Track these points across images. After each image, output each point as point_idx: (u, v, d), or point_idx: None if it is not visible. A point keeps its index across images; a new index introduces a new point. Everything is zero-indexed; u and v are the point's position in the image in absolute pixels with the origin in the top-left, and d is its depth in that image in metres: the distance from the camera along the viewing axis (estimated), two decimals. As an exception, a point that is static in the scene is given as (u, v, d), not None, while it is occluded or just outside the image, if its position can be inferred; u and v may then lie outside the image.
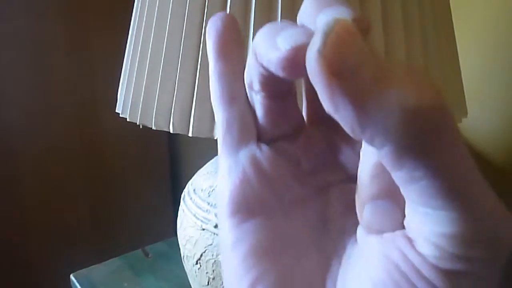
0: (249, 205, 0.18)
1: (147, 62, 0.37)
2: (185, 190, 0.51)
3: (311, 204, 0.19)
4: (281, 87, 0.18)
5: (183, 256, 0.48)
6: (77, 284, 0.64)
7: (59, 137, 1.05)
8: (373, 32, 0.33)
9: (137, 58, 0.38)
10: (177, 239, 0.72)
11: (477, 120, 0.61)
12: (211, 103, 0.34)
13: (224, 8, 0.33)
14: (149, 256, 0.70)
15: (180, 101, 0.35)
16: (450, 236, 0.13)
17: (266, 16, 0.33)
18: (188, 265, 0.47)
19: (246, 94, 0.19)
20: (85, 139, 1.09)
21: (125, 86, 0.40)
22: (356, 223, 0.17)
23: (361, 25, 0.13)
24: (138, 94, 0.38)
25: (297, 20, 0.16)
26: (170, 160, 1.25)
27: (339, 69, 0.12)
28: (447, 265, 0.13)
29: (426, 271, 0.14)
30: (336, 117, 0.13)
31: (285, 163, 0.19)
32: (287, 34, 0.15)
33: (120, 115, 0.41)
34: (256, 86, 0.18)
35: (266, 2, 0.33)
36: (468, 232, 0.13)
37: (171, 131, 0.36)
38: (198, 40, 0.34)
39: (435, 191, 0.13)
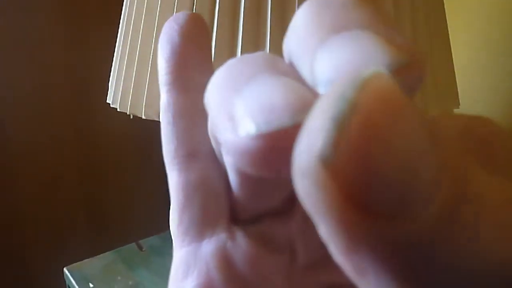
0: None
1: (137, 53, 0.37)
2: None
3: None
4: None
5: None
6: (71, 277, 0.64)
7: (55, 132, 1.05)
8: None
9: (127, 49, 0.38)
10: (168, 234, 0.71)
11: (470, 112, 0.62)
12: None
13: (214, -2, 0.33)
14: (143, 249, 0.71)
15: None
16: None
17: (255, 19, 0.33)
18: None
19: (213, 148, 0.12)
20: (81, 134, 1.10)
21: (115, 76, 0.40)
22: None
23: (412, 75, 0.07)
24: (128, 85, 0.38)
25: (284, 49, 0.10)
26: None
27: (370, 197, 0.06)
28: None
29: None
30: (360, 283, 0.07)
31: (272, 257, 0.12)
32: (256, 96, 0.08)
33: (111, 105, 0.41)
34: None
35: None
36: None
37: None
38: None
39: None
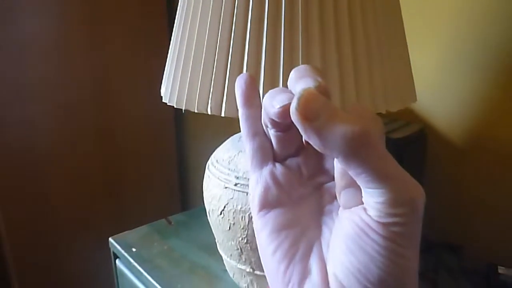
0: (270, 203, 0.27)
1: (191, 63, 0.52)
2: (208, 161, 0.65)
3: (310, 198, 0.27)
4: (285, 124, 0.25)
5: (208, 211, 0.63)
6: (116, 244, 0.78)
7: (79, 130, 1.15)
8: (342, 32, 0.48)
9: (182, 60, 0.53)
10: (191, 212, 0.86)
11: (434, 106, 0.74)
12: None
13: (246, 21, 0.48)
14: (172, 223, 0.85)
15: (216, 90, 0.50)
16: (383, 203, 0.21)
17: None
18: (213, 217, 0.62)
19: (264, 130, 0.27)
20: (102, 129, 1.19)
21: (171, 80, 0.55)
22: (339, 206, 0.25)
23: (320, 90, 0.21)
24: (183, 86, 0.53)
25: (287, 84, 0.24)
26: (177, 154, 1.37)
27: (307, 117, 0.20)
28: (384, 220, 0.21)
29: (373, 225, 0.21)
30: (309, 141, 0.21)
31: (292, 173, 0.27)
32: (279, 98, 0.23)
33: (168, 104, 0.56)
34: (269, 125, 0.26)
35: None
36: (393, 199, 0.21)
37: (209, 113, 0.50)
38: (228, 43, 0.49)
39: (370, 179, 0.21)
